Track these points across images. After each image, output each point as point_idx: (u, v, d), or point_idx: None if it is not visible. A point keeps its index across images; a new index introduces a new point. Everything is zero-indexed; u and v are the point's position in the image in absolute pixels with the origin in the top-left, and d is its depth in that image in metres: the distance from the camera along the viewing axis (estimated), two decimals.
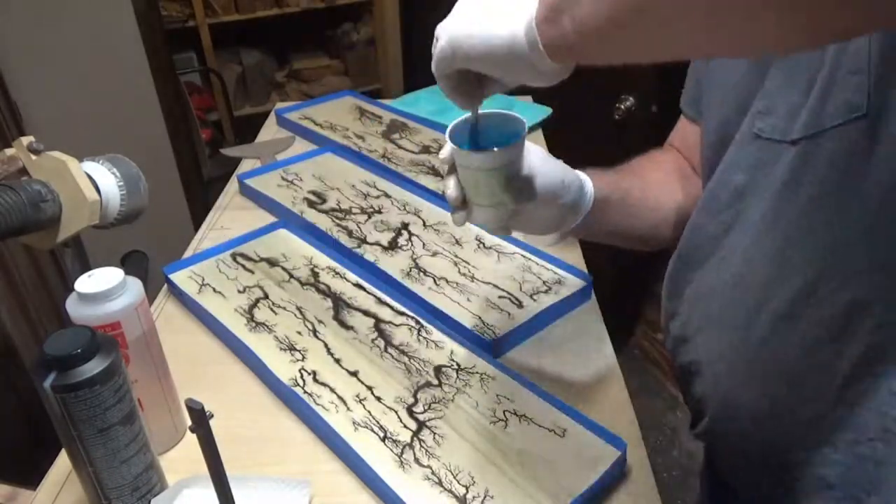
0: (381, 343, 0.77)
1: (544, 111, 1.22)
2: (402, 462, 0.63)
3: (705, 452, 0.74)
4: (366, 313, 0.82)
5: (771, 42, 0.36)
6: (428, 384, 0.71)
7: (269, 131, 1.36)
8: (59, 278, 1.65)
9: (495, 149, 0.53)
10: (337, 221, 1.01)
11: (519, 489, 0.60)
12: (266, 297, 0.85)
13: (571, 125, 1.32)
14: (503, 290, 0.85)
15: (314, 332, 0.79)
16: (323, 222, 1.01)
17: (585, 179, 0.64)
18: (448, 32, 0.49)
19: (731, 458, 0.65)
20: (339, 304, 0.83)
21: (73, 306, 0.58)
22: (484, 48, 0.46)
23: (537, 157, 0.58)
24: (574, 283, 0.85)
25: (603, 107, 1.62)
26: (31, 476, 0.72)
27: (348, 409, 0.69)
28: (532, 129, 1.31)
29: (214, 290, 0.87)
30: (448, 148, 0.56)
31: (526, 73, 0.46)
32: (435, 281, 0.87)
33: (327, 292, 0.86)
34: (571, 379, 0.73)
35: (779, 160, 0.54)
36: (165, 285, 0.90)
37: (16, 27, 1.71)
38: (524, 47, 0.44)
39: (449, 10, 0.51)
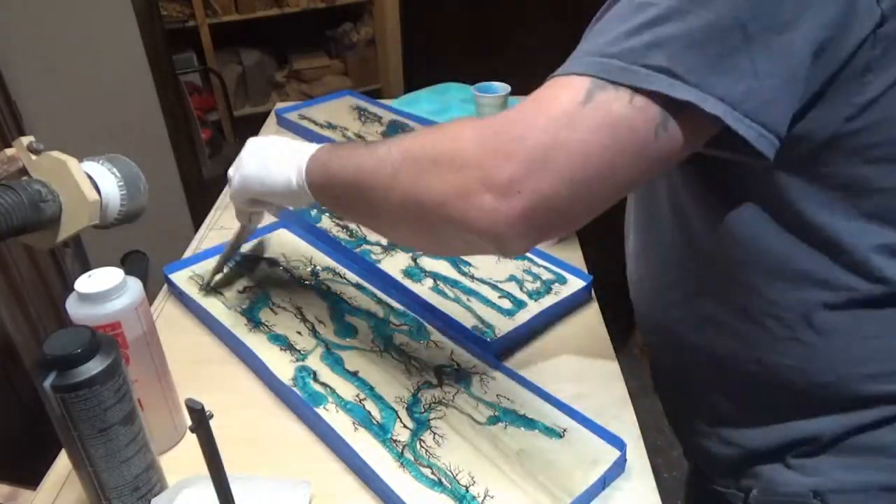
0: (381, 343, 0.77)
1: None
2: (402, 462, 0.63)
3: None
4: (366, 313, 0.82)
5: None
6: (428, 384, 0.71)
7: (269, 131, 1.36)
8: (59, 278, 1.65)
9: None
10: (337, 221, 1.01)
11: (519, 489, 0.60)
12: (266, 296, 0.85)
13: None
14: (503, 290, 0.85)
15: (314, 332, 0.79)
16: (323, 222, 1.01)
17: None
18: (240, 174, 0.71)
19: None
20: (339, 304, 0.83)
21: (73, 306, 0.58)
22: (265, 188, 0.69)
23: None
24: (574, 283, 0.85)
25: None
26: (31, 476, 0.72)
27: (348, 409, 0.69)
28: None
29: (214, 290, 0.87)
30: None
31: (290, 201, 0.69)
32: (435, 281, 0.87)
33: (327, 292, 0.86)
34: (571, 379, 0.73)
35: None
36: (165, 285, 0.90)
37: (16, 27, 1.71)
38: (296, 189, 0.65)
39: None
